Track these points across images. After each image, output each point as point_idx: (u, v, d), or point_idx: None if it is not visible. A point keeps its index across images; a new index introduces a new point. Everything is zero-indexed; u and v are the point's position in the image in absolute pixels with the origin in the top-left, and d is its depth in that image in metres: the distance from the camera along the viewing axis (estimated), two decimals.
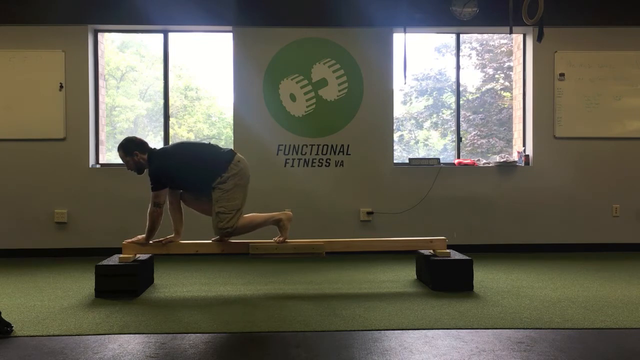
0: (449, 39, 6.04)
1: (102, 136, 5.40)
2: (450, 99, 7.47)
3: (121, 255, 3.49)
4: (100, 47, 5.37)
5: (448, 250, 3.67)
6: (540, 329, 2.68)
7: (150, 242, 3.55)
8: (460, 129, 5.60)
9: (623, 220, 5.33)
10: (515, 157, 5.49)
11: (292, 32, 5.23)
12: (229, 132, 7.17)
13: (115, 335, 2.59)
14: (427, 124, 8.21)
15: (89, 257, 4.99)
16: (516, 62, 5.67)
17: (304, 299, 3.33)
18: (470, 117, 7.95)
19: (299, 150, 5.23)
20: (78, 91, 5.14)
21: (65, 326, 2.74)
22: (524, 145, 5.46)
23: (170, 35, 5.37)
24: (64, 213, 5.09)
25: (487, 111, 8.06)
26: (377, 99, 5.27)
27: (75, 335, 2.60)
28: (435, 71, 8.19)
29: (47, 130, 5.10)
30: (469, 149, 7.66)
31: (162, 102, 5.43)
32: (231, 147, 5.06)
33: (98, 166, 5.26)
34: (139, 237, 3.55)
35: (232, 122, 5.29)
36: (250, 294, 3.51)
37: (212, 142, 3.83)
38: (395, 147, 5.75)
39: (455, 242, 4.99)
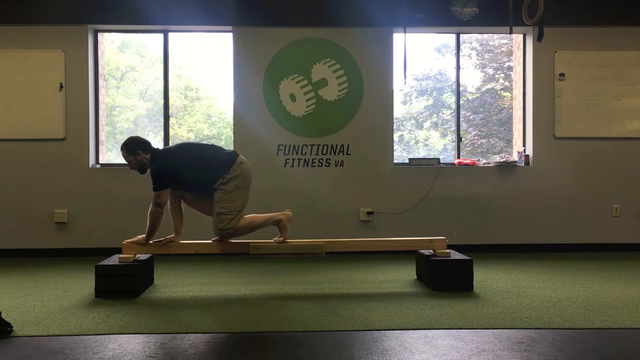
0: (449, 39, 6.04)
1: (102, 136, 5.40)
2: (450, 99, 7.47)
3: (121, 255, 3.49)
4: (100, 47, 5.37)
5: (448, 250, 3.67)
6: (540, 329, 2.68)
7: (150, 242, 3.55)
8: (460, 129, 5.60)
9: (623, 220, 5.33)
10: (515, 157, 5.50)
11: (292, 32, 5.23)
12: (229, 132, 7.17)
13: (115, 335, 2.59)
14: (427, 124, 8.20)
15: (89, 257, 4.99)
16: (516, 62, 5.67)
17: (304, 299, 3.33)
18: (470, 117, 7.95)
19: (299, 150, 5.23)
20: (78, 91, 5.14)
21: (65, 326, 2.74)
22: (524, 145, 5.46)
23: (170, 35, 5.37)
24: (64, 213, 5.09)
25: (487, 111, 8.06)
26: (377, 99, 5.27)
27: (75, 335, 2.60)
28: (435, 71, 8.18)
29: (47, 130, 5.10)
30: (469, 149, 7.66)
31: (162, 102, 5.43)
32: (231, 147, 5.06)
33: (98, 166, 5.26)
34: (139, 237, 3.55)
35: (232, 122, 5.29)
36: (250, 294, 3.51)
37: (212, 142, 3.84)
38: (395, 147, 5.75)
39: (455, 242, 5.00)
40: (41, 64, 5.09)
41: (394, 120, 5.38)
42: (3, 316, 2.69)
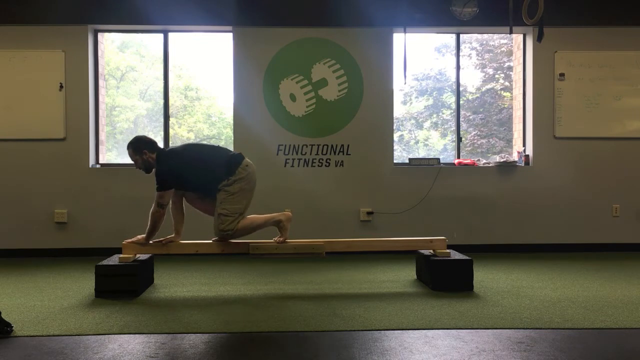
0: (449, 39, 6.04)
1: (102, 136, 5.40)
2: (450, 99, 7.46)
3: (121, 255, 3.49)
4: (100, 47, 5.37)
5: (448, 250, 3.67)
6: (540, 329, 2.68)
7: (150, 242, 3.55)
8: (460, 129, 5.60)
9: (623, 220, 5.33)
10: (515, 157, 5.49)
11: (292, 32, 5.23)
12: (229, 132, 7.16)
13: (115, 335, 2.59)
14: (427, 124, 8.20)
15: (89, 257, 4.99)
16: (516, 62, 5.67)
17: (304, 299, 3.33)
18: (470, 117, 7.94)
19: (299, 150, 5.23)
20: (78, 91, 5.14)
21: (65, 326, 2.74)
22: (524, 145, 5.46)
23: (170, 35, 5.37)
24: (64, 213, 5.09)
25: (487, 111, 8.06)
26: (377, 99, 5.27)
27: (75, 335, 2.60)
28: (435, 71, 8.18)
29: (47, 130, 5.10)
30: (469, 149, 7.65)
31: (162, 102, 5.43)
32: (231, 147, 5.06)
33: (98, 166, 5.26)
34: (139, 237, 3.55)
35: (232, 122, 5.29)
36: (250, 294, 3.51)
37: (212, 142, 3.83)
38: (395, 147, 5.75)
39: (455, 242, 4.99)
40: (41, 64, 5.09)
41: (394, 120, 5.38)
42: (3, 316, 2.69)
